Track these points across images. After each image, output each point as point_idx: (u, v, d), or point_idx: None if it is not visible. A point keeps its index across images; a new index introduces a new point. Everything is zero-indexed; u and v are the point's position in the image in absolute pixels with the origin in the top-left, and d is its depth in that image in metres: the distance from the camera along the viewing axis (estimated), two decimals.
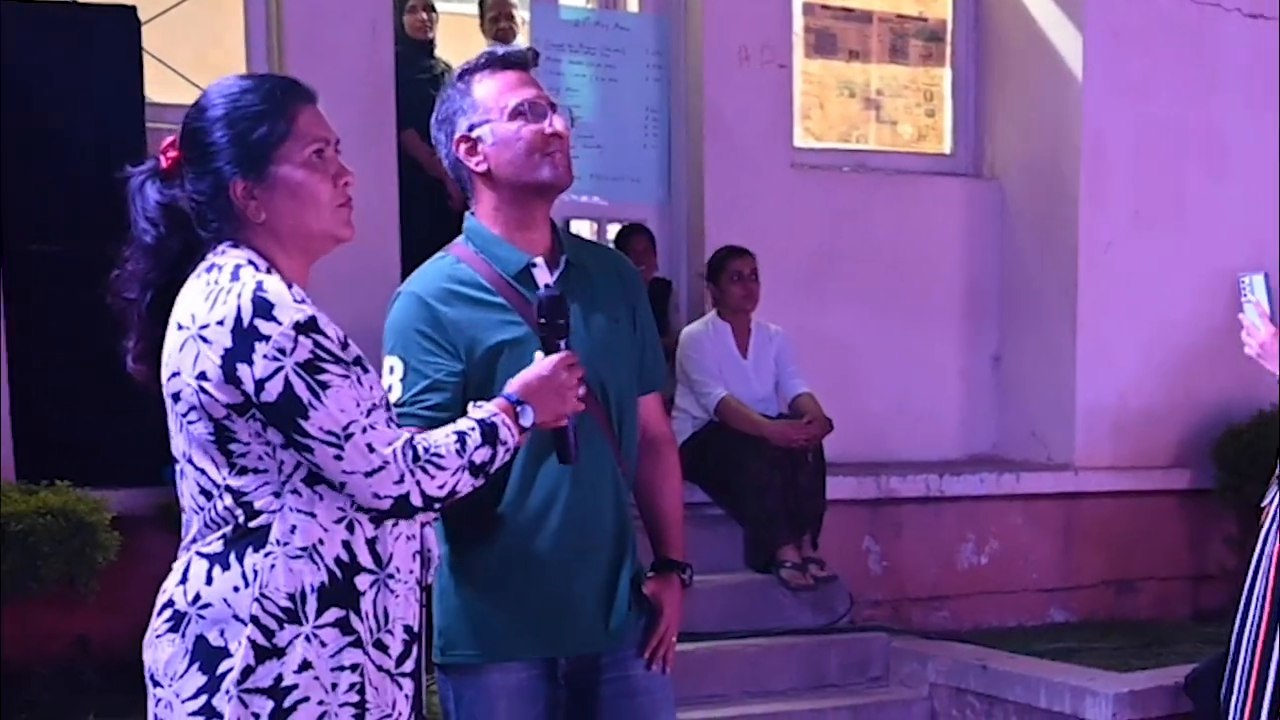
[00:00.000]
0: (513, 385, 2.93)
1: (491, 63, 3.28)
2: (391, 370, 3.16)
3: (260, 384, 2.61)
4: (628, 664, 3.37)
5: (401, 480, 2.69)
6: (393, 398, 3.10)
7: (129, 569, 5.50)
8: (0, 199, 5.88)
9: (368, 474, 2.66)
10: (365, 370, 2.72)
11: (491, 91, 3.23)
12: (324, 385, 2.62)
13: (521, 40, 8.19)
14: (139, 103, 6.18)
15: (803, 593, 6.57)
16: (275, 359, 2.61)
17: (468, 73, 3.28)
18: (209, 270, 2.71)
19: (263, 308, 2.62)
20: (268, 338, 2.61)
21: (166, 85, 6.68)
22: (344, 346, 2.69)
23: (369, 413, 2.67)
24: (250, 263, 2.71)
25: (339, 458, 2.64)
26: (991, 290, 8.27)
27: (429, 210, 7.71)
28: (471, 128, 3.23)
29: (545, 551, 3.25)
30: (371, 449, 2.66)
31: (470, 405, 2.91)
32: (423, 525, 2.93)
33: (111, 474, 5.78)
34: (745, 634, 6.37)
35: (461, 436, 2.79)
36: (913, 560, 7.46)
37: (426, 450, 2.72)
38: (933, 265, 8.16)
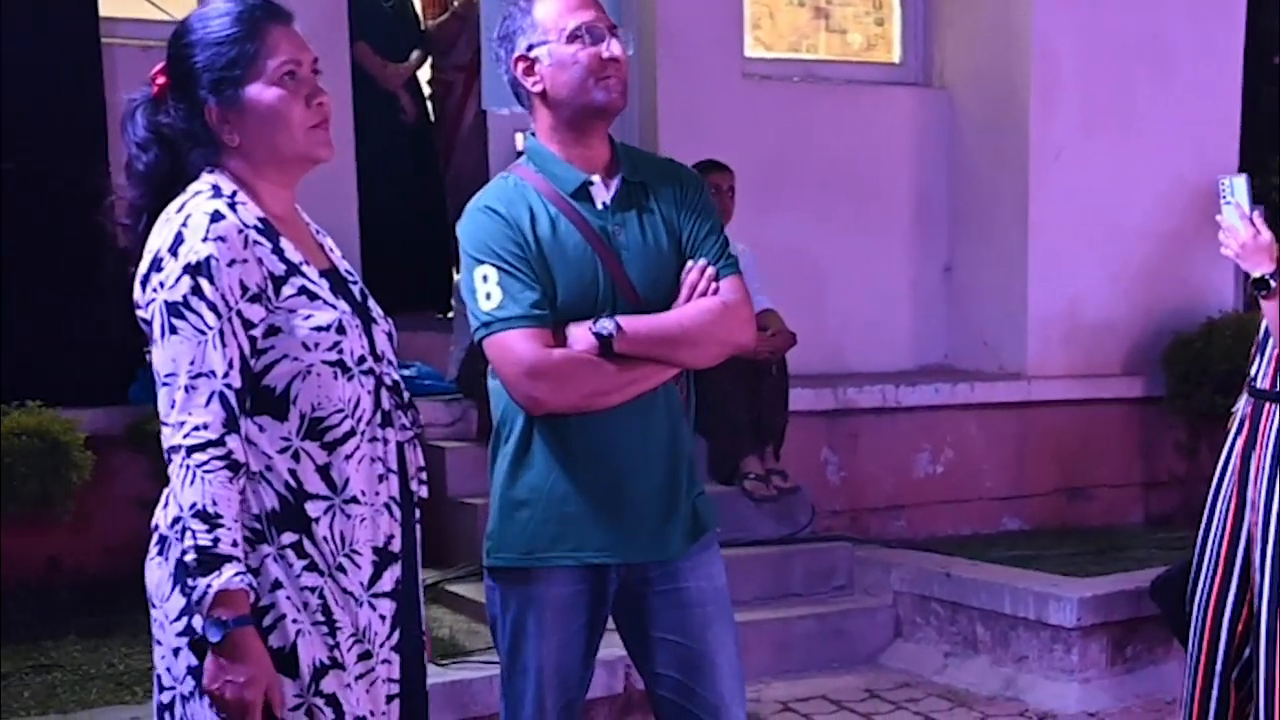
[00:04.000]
0: None
1: None
2: (485, 279, 3.16)
3: (146, 313, 2.68)
4: (679, 575, 3.34)
5: (171, 452, 2.63)
6: (491, 305, 3.15)
7: (97, 490, 5.47)
8: None
9: (165, 423, 2.64)
10: (272, 327, 2.68)
11: (551, 12, 3.24)
12: (173, 329, 2.62)
13: None
14: (93, 16, 6.04)
15: (766, 504, 6.60)
16: (155, 290, 2.65)
17: None
18: (180, 197, 2.74)
19: (175, 241, 2.65)
20: (161, 269, 2.65)
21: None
22: (254, 297, 2.66)
23: (225, 373, 2.62)
24: (214, 188, 2.73)
25: (166, 399, 2.64)
26: (941, 200, 8.27)
27: (382, 124, 7.66)
28: (530, 48, 3.24)
29: (597, 461, 3.24)
30: (175, 408, 2.62)
31: None
32: (402, 443, 2.91)
33: (79, 394, 5.66)
34: None
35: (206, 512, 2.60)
36: (870, 470, 7.49)
37: (200, 467, 2.59)
38: (883, 175, 8.15)
